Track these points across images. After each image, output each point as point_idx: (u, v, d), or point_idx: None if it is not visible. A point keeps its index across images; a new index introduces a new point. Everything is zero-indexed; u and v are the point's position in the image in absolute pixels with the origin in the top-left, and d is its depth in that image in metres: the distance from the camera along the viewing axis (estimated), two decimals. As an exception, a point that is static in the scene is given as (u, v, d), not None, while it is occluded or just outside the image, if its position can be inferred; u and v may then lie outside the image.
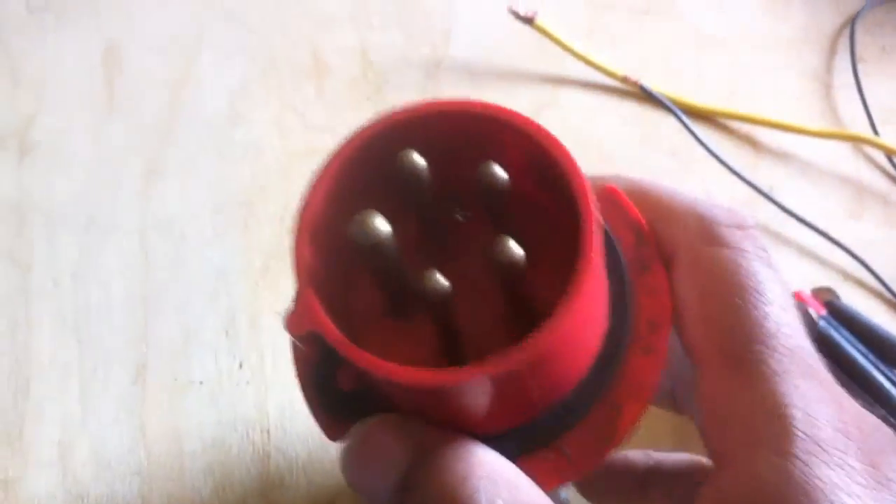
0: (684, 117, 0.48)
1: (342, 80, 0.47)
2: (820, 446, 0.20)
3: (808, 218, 0.47)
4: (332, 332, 0.20)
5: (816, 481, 0.20)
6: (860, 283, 0.46)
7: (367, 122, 0.22)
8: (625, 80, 0.49)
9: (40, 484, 0.34)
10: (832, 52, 0.54)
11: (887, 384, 0.38)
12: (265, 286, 0.40)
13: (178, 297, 0.39)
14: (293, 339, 0.22)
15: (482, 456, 0.21)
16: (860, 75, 0.53)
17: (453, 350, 0.23)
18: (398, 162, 0.22)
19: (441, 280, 0.20)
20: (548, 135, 0.23)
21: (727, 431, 0.22)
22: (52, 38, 0.46)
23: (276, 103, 0.46)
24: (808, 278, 0.44)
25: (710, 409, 0.23)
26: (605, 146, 0.48)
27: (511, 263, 0.21)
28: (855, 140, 0.50)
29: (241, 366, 0.38)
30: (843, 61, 0.53)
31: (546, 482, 0.22)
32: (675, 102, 0.49)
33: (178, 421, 0.36)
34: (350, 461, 0.22)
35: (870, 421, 0.22)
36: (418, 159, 0.22)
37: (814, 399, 0.21)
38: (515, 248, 0.21)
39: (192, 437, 0.36)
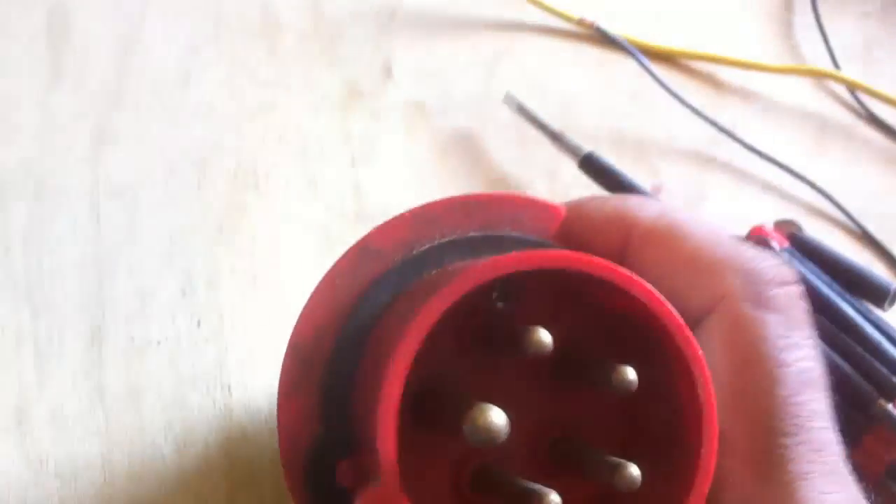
0: (644, 59, 0.48)
1: (294, 34, 0.46)
2: None
3: (772, 154, 0.46)
4: None
5: None
6: (825, 216, 0.46)
7: (455, 277, 0.20)
8: (580, 22, 0.48)
9: (-2, 451, 0.34)
10: (791, -12, 0.53)
11: (852, 312, 0.38)
12: (221, 244, 0.39)
13: (132, 259, 0.38)
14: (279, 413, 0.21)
15: None
16: (820, 12, 0.52)
17: (469, 475, 0.22)
18: (525, 338, 0.20)
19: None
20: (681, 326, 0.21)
21: None
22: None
23: (226, 61, 0.45)
24: (773, 214, 0.43)
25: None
26: (566, 92, 0.48)
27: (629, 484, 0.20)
28: (817, 75, 0.50)
29: (199, 324, 0.37)
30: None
31: None
32: (634, 44, 0.48)
33: (136, 381, 0.35)
34: None
35: None
36: (548, 341, 0.20)
37: None
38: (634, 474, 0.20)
39: (151, 397, 0.35)
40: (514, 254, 0.20)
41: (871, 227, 0.45)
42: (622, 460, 0.20)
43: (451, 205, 0.24)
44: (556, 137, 0.43)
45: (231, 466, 0.34)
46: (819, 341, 0.23)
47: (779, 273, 0.23)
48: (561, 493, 0.20)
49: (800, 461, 0.20)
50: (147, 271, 0.38)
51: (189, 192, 0.41)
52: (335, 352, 0.22)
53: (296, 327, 0.22)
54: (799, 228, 0.41)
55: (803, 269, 0.38)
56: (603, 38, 0.49)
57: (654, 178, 0.45)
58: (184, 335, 0.37)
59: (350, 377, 0.22)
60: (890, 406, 0.36)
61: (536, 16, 0.49)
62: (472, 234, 0.23)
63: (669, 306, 0.21)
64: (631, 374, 0.20)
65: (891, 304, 0.39)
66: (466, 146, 0.45)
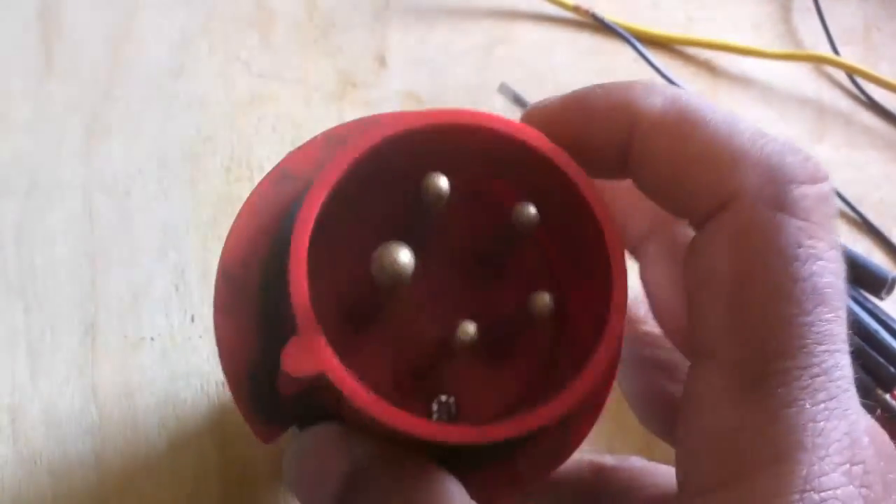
0: (640, 46, 0.47)
1: (287, 24, 0.46)
2: (823, 499, 0.18)
3: (769, 141, 0.46)
4: (344, 378, 0.19)
5: None
6: (823, 204, 0.45)
7: (363, 132, 0.21)
8: (576, 9, 0.48)
9: (-9, 449, 0.34)
10: (788, -28, 0.53)
11: (850, 303, 0.37)
12: (214, 238, 0.39)
13: (125, 254, 0.38)
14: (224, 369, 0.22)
15: (417, 496, 0.20)
16: (819, -5, 0.52)
17: (409, 366, 0.23)
18: (425, 185, 0.21)
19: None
20: (576, 170, 0.22)
21: (713, 457, 0.19)
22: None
23: (219, 53, 0.44)
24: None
25: (698, 423, 0.20)
26: (562, 80, 0.47)
27: (543, 315, 0.21)
28: (815, 60, 0.50)
29: (192, 320, 0.37)
30: (800, -18, 0.52)
31: (498, 496, 0.23)
32: (630, 31, 0.48)
33: (130, 378, 0.35)
34: (291, 473, 0.21)
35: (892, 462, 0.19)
36: (444, 184, 0.21)
37: (832, 441, 0.18)
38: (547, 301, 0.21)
39: (144, 393, 0.35)
40: (398, 115, 0.21)
41: (871, 215, 0.45)
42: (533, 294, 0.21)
43: (359, 123, 0.24)
44: (552, 127, 0.43)
45: (225, 463, 0.34)
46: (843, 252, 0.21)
47: (804, 169, 0.20)
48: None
49: (793, 386, 0.18)
50: (140, 266, 0.38)
51: (182, 185, 0.40)
52: (263, 272, 0.22)
53: (223, 254, 0.22)
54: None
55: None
56: (599, 26, 0.48)
57: (650, 166, 0.45)
58: (177, 331, 0.37)
59: (280, 293, 0.22)
60: (887, 396, 0.36)
61: (531, 3, 0.49)
62: None
63: (563, 152, 0.22)
64: (530, 207, 0.21)
65: (888, 293, 0.39)
66: (461, 136, 0.44)
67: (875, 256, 0.44)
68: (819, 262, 0.19)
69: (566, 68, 0.48)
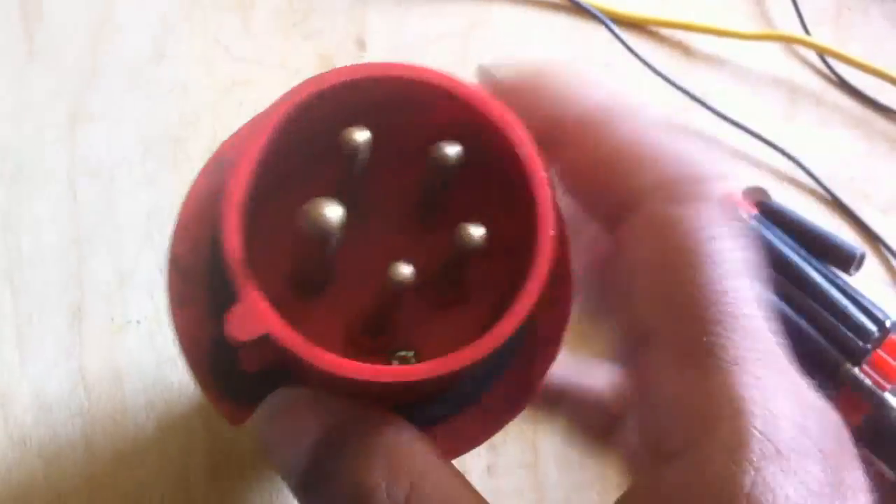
0: (614, 27, 0.48)
1: (267, 8, 0.46)
2: (778, 449, 0.18)
3: (742, 121, 0.47)
4: (290, 335, 0.19)
5: (770, 496, 0.18)
6: (796, 184, 0.47)
7: (294, 90, 0.21)
8: (551, -8, 0.49)
9: (-18, 432, 0.34)
10: (761, -47, 0.53)
11: (818, 278, 0.39)
12: (198, 222, 0.39)
13: (110, 238, 0.39)
14: (178, 334, 0.22)
15: (392, 440, 0.21)
16: (791, -24, 0.52)
17: (362, 327, 0.23)
18: (343, 139, 0.21)
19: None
20: (502, 113, 0.22)
21: (672, 423, 0.20)
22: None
23: (200, 38, 0.45)
24: (744, 181, 0.44)
25: (654, 397, 0.21)
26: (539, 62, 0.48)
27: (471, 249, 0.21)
28: (787, 41, 0.50)
29: (178, 303, 0.37)
30: (772, -38, 0.53)
31: (473, 439, 0.23)
32: (605, 13, 0.49)
33: (117, 361, 0.36)
34: (264, 433, 0.22)
35: (830, 417, 0.20)
36: (361, 136, 0.21)
37: (774, 392, 0.19)
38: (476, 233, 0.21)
39: (132, 376, 0.36)
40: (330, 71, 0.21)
41: (841, 193, 0.46)
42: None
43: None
44: (529, 109, 0.44)
45: (213, 443, 0.35)
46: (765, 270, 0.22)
47: (701, 170, 0.22)
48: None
49: (731, 348, 0.20)
50: (125, 250, 0.39)
51: (165, 169, 0.41)
52: (213, 258, 0.22)
53: (171, 246, 0.22)
54: (767, 196, 0.41)
55: (771, 236, 0.39)
56: (574, 7, 0.49)
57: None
58: (163, 314, 0.37)
59: (224, 274, 0.22)
60: (856, 370, 0.37)
61: (509, -14, 0.49)
62: None
63: (485, 93, 0.22)
64: (453, 148, 0.21)
65: (857, 269, 0.40)
66: (440, 119, 0.45)
67: (845, 234, 0.45)
68: (726, 241, 0.21)
69: (543, 50, 0.48)
